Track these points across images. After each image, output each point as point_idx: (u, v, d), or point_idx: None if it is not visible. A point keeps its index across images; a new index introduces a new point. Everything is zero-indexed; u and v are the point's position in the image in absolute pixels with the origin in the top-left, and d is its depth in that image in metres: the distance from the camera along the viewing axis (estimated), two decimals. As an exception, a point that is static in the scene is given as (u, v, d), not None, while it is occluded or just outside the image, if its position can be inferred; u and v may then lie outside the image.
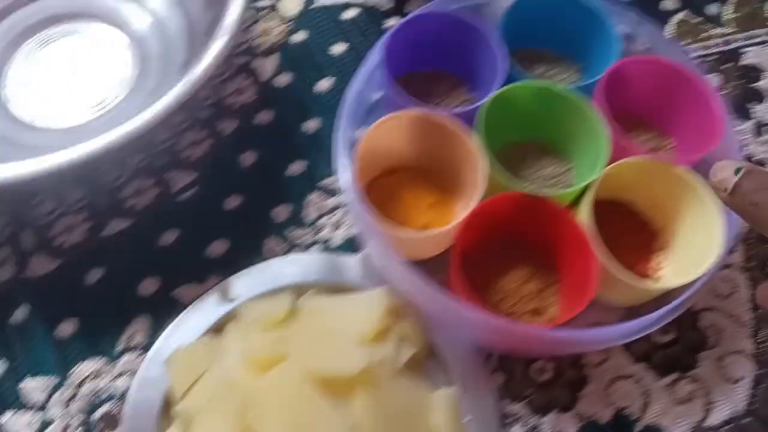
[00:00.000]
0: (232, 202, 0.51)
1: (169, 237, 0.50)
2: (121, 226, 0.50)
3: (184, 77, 0.43)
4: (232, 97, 0.55)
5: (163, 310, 0.47)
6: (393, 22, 0.58)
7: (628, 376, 0.46)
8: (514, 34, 0.51)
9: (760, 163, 0.54)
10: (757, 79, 0.57)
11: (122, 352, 0.46)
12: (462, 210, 0.48)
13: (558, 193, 0.44)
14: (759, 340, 0.47)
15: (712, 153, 0.45)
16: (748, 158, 0.54)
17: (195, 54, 0.46)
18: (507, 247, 0.47)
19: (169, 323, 0.45)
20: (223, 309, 0.45)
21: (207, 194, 0.51)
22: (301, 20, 0.59)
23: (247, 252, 0.49)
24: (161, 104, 0.44)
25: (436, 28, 0.50)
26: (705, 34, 0.59)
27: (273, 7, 0.59)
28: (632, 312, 0.47)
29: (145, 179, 0.52)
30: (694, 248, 0.46)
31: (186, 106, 0.43)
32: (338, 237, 0.50)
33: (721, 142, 0.45)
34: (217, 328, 0.45)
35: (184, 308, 0.45)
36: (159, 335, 0.45)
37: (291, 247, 0.50)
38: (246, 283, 0.46)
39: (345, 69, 0.56)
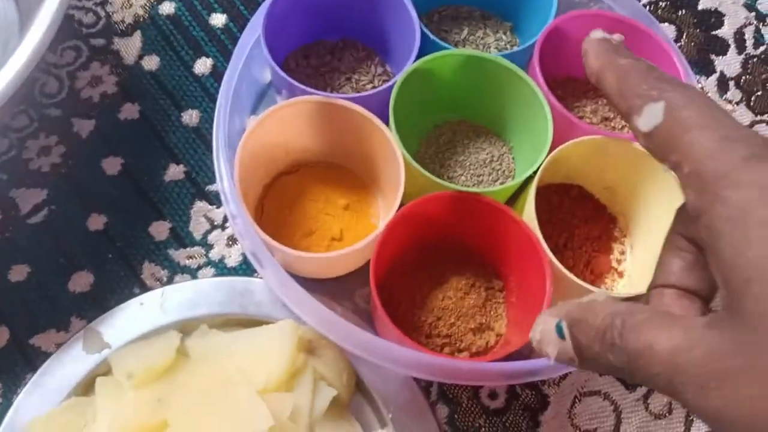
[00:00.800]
0: (96, 221, 0.45)
1: (18, 272, 0.44)
2: (-45, 264, 0.44)
3: (4, 67, 0.36)
4: (87, 89, 0.48)
5: (17, 368, 0.42)
6: (286, -18, 0.52)
7: (595, 392, 0.43)
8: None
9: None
10: (719, 25, 0.54)
11: (-34, 425, 0.40)
12: (382, 212, 0.43)
13: (494, 189, 0.39)
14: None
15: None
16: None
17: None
18: (440, 256, 0.42)
19: (26, 382, 0.40)
20: (91, 361, 0.40)
21: (64, 214, 0.45)
22: (170, -14, 0.51)
23: (119, 283, 0.44)
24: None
25: (336, -12, 0.44)
26: (654, -23, 0.55)
27: (136, -28, 0.52)
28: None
29: (-18, 202, 0.45)
30: (657, 236, 0.41)
31: (22, 103, 0.36)
32: (235, 255, 0.45)
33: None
34: (86, 386, 0.40)
35: (42, 363, 0.40)
36: (12, 399, 0.40)
37: (175, 272, 0.45)
38: (118, 324, 0.41)
39: (228, 45, 0.50)
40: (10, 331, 0.42)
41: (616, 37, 0.29)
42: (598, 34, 0.29)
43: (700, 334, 0.21)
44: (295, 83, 0.41)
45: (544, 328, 0.26)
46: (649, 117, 0.25)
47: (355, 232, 0.43)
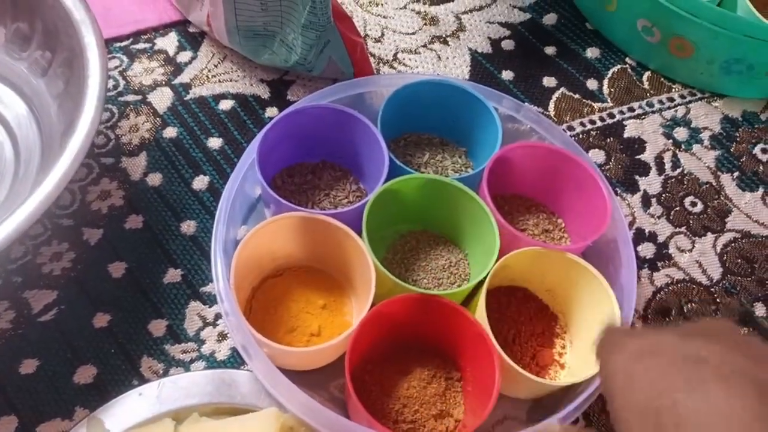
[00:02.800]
0: (101, 319, 0.49)
1: (28, 366, 0.47)
2: (-31, 358, 0.47)
3: (37, 188, 0.41)
4: (96, 202, 0.53)
5: None
6: (273, 111, 0.59)
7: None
8: (398, 120, 0.53)
9: (652, 234, 0.57)
10: (641, 151, 0.62)
11: None
12: (355, 310, 0.48)
13: (453, 291, 0.45)
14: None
15: (603, 235, 0.48)
16: (638, 230, 0.57)
17: (50, 161, 0.44)
18: (405, 349, 0.47)
19: None
20: (93, 447, 0.42)
21: (72, 313, 0.49)
22: (173, 114, 0.58)
23: (120, 376, 0.47)
24: (14, 219, 0.41)
25: (317, 120, 0.51)
26: (586, 109, 0.63)
27: (143, 101, 0.58)
28: (540, 401, 0.48)
29: (-2, 301, 0.49)
30: (593, 332, 0.47)
31: (42, 217, 0.41)
32: (224, 349, 0.49)
33: (608, 224, 0.48)
34: (88, 470, 0.42)
35: (47, 450, 0.42)
36: None
37: (171, 366, 0.48)
38: (119, 413, 0.43)
39: (222, 165, 0.56)
40: (18, 420, 0.45)
41: None
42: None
43: None
44: (281, 200, 0.47)
45: None
46: None
47: (332, 328, 0.47)
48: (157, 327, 0.49)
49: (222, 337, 0.49)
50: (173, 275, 0.51)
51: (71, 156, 0.43)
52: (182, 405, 0.44)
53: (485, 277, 0.45)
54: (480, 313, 0.44)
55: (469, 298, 0.48)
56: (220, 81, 0.60)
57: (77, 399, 0.46)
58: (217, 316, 0.50)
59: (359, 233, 0.46)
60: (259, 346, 0.43)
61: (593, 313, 0.47)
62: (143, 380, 0.47)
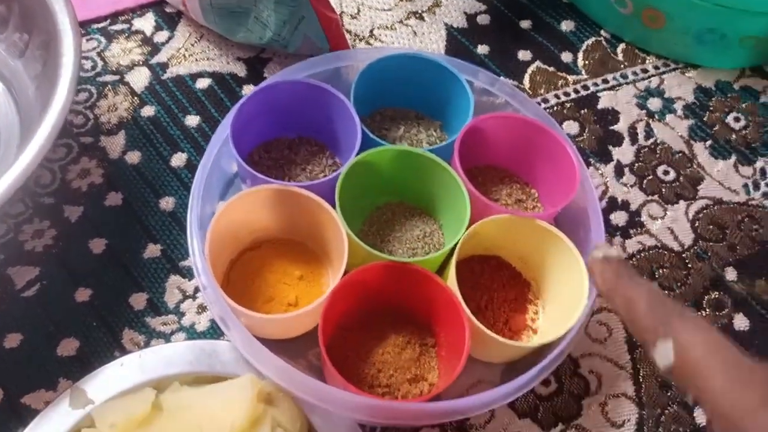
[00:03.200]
0: (83, 294, 0.50)
1: (12, 340, 0.48)
2: (-45, 334, 0.48)
3: (12, 166, 0.42)
4: (77, 180, 0.54)
5: (9, 422, 0.45)
6: (250, 89, 0.60)
7: (516, 433, 0.48)
8: (373, 94, 0.54)
9: (625, 203, 0.58)
10: (615, 122, 0.63)
11: (-39, 479, 0.43)
12: (332, 281, 0.49)
13: (424, 258, 0.46)
14: (639, 381, 0.51)
15: (572, 201, 0.49)
16: (611, 199, 0.58)
17: (28, 141, 0.44)
18: (380, 316, 0.48)
19: None
20: (77, 416, 0.43)
21: (54, 288, 0.50)
22: (151, 93, 0.59)
23: (102, 348, 0.48)
24: (-10, 197, 0.42)
25: (292, 95, 0.52)
26: (560, 82, 0.64)
27: (121, 81, 0.59)
28: (513, 365, 0.49)
29: (-19, 278, 0.50)
30: (565, 297, 0.49)
31: (22, 194, 0.42)
32: (204, 321, 0.50)
33: (576, 192, 0.49)
34: (71, 439, 0.43)
35: (32, 419, 0.43)
36: None
37: (152, 337, 0.49)
38: (101, 383, 0.44)
39: (201, 142, 0.57)
40: (3, 392, 0.46)
41: (614, 253, 0.33)
42: (598, 254, 0.33)
43: None
44: (257, 174, 0.47)
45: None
46: (662, 356, 0.28)
47: (309, 298, 0.48)
48: (138, 300, 0.50)
49: (201, 309, 0.50)
50: (153, 250, 0.52)
51: (45, 134, 0.44)
52: (163, 374, 0.45)
53: (456, 245, 0.46)
54: (451, 280, 0.45)
55: (444, 267, 0.50)
56: (197, 60, 0.61)
57: (60, 371, 0.47)
58: (197, 289, 0.51)
59: (334, 205, 0.46)
60: (236, 316, 0.44)
61: (564, 279, 0.49)
62: (125, 351, 0.48)
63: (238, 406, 0.42)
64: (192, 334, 0.49)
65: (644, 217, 0.58)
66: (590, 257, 0.34)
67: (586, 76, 0.65)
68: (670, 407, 0.50)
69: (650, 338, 0.29)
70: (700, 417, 0.50)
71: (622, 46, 0.67)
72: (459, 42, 0.66)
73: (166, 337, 0.49)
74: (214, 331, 0.49)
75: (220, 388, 0.44)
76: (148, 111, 0.58)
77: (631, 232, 0.57)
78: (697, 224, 0.58)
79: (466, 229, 0.47)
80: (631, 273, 0.32)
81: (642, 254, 0.56)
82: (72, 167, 0.54)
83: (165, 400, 0.44)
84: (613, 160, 0.60)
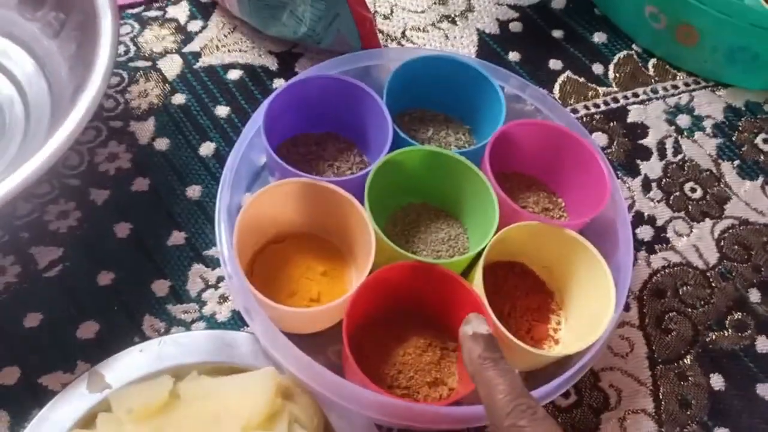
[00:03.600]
0: (105, 277, 0.50)
1: (32, 319, 0.48)
2: (-25, 309, 0.48)
3: (44, 146, 0.42)
4: (104, 163, 0.54)
5: (26, 403, 0.45)
6: (280, 83, 0.59)
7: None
8: (404, 94, 0.54)
9: (651, 218, 0.58)
10: (644, 136, 0.62)
11: (-25, 455, 0.43)
12: (355, 278, 0.49)
13: (450, 261, 0.46)
14: (659, 398, 0.50)
15: (600, 212, 0.49)
16: (637, 213, 0.58)
17: (59, 121, 0.44)
18: (403, 317, 0.48)
19: (33, 417, 0.43)
20: (94, 399, 0.43)
21: (76, 270, 0.50)
22: (182, 81, 0.59)
23: (122, 333, 0.48)
24: (20, 175, 0.42)
25: (323, 91, 0.52)
26: (590, 93, 0.64)
27: (153, 67, 0.59)
28: (534, 375, 0.49)
29: (4, 256, 0.49)
30: (589, 309, 0.48)
31: (49, 175, 0.42)
32: (225, 311, 0.50)
33: (607, 202, 0.48)
34: (88, 421, 0.43)
35: (49, 400, 0.43)
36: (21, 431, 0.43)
37: (172, 325, 0.49)
38: (119, 368, 0.44)
39: (229, 132, 0.57)
40: (21, 371, 0.46)
41: (483, 330, 0.34)
42: (468, 330, 0.34)
43: None
44: (287, 167, 0.47)
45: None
46: None
47: (331, 295, 0.48)
48: (160, 287, 0.50)
49: (223, 299, 0.50)
50: (177, 238, 0.52)
51: (79, 116, 0.44)
52: (182, 362, 0.45)
53: (483, 249, 0.46)
54: (477, 284, 0.45)
55: (467, 273, 0.49)
56: (229, 51, 0.61)
57: (79, 353, 0.47)
58: (219, 279, 0.50)
59: (362, 202, 0.46)
60: (260, 307, 0.43)
61: (589, 290, 0.48)
62: (144, 338, 0.48)
63: (256, 398, 0.42)
64: (212, 323, 0.49)
65: (670, 233, 0.57)
66: (460, 331, 0.35)
67: (616, 89, 0.64)
68: (689, 426, 0.49)
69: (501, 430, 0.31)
70: (718, 437, 0.49)
71: (653, 61, 0.67)
72: (490, 48, 0.65)
73: (187, 326, 0.49)
74: (235, 323, 0.49)
75: (238, 379, 0.44)
76: (178, 99, 0.58)
77: (656, 247, 0.56)
78: (722, 243, 0.57)
79: (494, 234, 0.46)
80: (497, 356, 0.33)
81: (666, 270, 0.55)
82: (100, 150, 0.54)
83: (183, 389, 0.43)
84: (640, 175, 0.60)
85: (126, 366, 0.45)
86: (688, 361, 0.52)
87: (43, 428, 0.42)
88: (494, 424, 0.32)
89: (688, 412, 0.50)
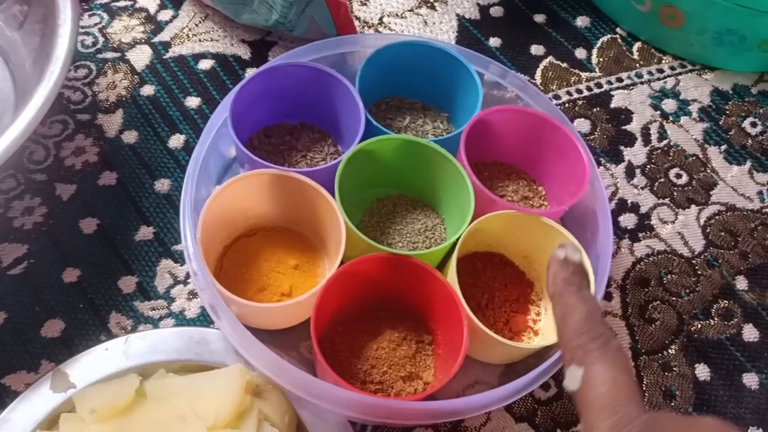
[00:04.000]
0: (71, 274, 0.48)
1: (-5, 318, 0.46)
2: (-63, 309, 0.46)
3: (0, 138, 0.41)
4: (71, 157, 0.52)
5: None
6: (253, 72, 0.58)
7: (512, 439, 0.46)
8: (380, 83, 0.52)
9: (635, 205, 0.56)
10: (628, 122, 0.61)
11: (-64, 460, 0.42)
12: (328, 272, 0.48)
13: (424, 252, 0.44)
14: (642, 390, 0.49)
15: (580, 200, 0.47)
16: (620, 201, 0.56)
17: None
18: (376, 311, 0.46)
19: None
20: (57, 399, 0.42)
21: (42, 267, 0.48)
22: (151, 72, 0.57)
23: (87, 331, 0.47)
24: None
25: (295, 79, 0.50)
26: (573, 78, 0.62)
27: (122, 59, 0.57)
28: (512, 367, 0.48)
29: (-33, 254, 0.48)
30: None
31: (12, 170, 0.40)
32: (194, 308, 0.48)
33: (586, 189, 0.47)
34: (51, 422, 0.42)
35: (12, 401, 0.42)
36: None
37: (140, 322, 0.48)
38: (84, 367, 0.43)
39: (200, 124, 0.55)
40: (-15, 371, 0.45)
41: (576, 258, 0.33)
42: (560, 254, 0.33)
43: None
44: (255, 158, 0.46)
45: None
46: (570, 380, 0.29)
47: (303, 289, 0.47)
48: (127, 283, 0.49)
49: (192, 295, 0.49)
50: (145, 233, 0.50)
51: (37, 106, 0.42)
52: (149, 361, 0.44)
53: (458, 240, 0.45)
54: (451, 276, 0.44)
55: (445, 263, 0.48)
56: (200, 40, 0.59)
57: (44, 352, 0.46)
58: (189, 275, 0.49)
59: (334, 195, 0.45)
60: (227, 304, 0.42)
61: (569, 280, 0.47)
62: (111, 336, 0.47)
63: (224, 396, 0.41)
64: (181, 320, 0.48)
65: (654, 221, 0.56)
66: (552, 254, 0.33)
67: (599, 74, 0.63)
68: (673, 418, 0.48)
69: (568, 357, 0.30)
70: (703, 429, 0.48)
71: (638, 44, 0.65)
72: (470, 33, 0.64)
73: (155, 323, 0.48)
74: (205, 319, 0.48)
75: (207, 377, 0.43)
76: (147, 90, 0.56)
77: (640, 235, 0.55)
78: (708, 230, 0.56)
79: (470, 224, 0.45)
80: (583, 284, 0.32)
81: (651, 258, 0.54)
82: (67, 144, 0.53)
83: (149, 387, 0.42)
84: (624, 161, 0.59)
85: (91, 365, 0.43)
86: (672, 351, 0.50)
87: (6, 430, 0.41)
88: (563, 345, 0.31)
89: (673, 404, 0.49)
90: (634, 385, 0.28)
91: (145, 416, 0.41)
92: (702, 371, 0.50)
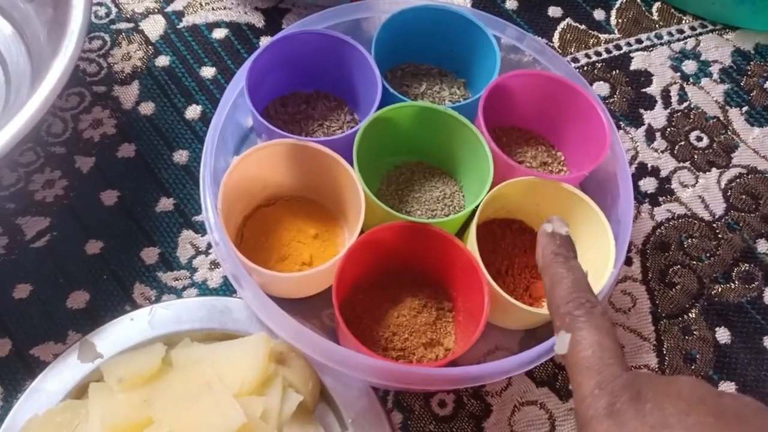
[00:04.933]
0: (94, 246, 0.49)
1: (21, 291, 0.47)
2: (-36, 282, 0.47)
3: (19, 112, 0.41)
4: (89, 130, 0.53)
5: (18, 374, 0.45)
6: (267, 40, 0.57)
7: (532, 402, 0.47)
8: (395, 49, 0.52)
9: (655, 169, 0.56)
10: (648, 84, 0.60)
11: (-30, 426, 0.43)
12: (347, 241, 0.48)
13: (443, 220, 0.45)
14: (662, 354, 0.49)
15: (600, 165, 0.47)
16: (640, 165, 0.56)
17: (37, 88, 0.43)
18: (397, 278, 0.47)
19: (26, 388, 0.43)
20: (85, 369, 0.43)
21: (64, 240, 0.49)
22: (165, 42, 0.57)
23: (112, 301, 0.47)
24: (-2, 143, 0.41)
25: (310, 47, 0.50)
26: (592, 41, 0.61)
27: (135, 29, 0.57)
28: (532, 333, 0.48)
29: (-9, 227, 0.49)
30: (589, 263, 0.47)
31: (33, 144, 0.41)
32: (216, 277, 0.49)
33: (606, 154, 0.47)
34: (80, 391, 0.43)
35: (41, 371, 0.43)
36: (13, 402, 0.42)
37: (163, 292, 0.48)
38: (111, 337, 0.44)
39: (216, 94, 0.55)
40: (12, 343, 0.45)
41: (563, 231, 0.35)
42: (548, 227, 0.35)
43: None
44: (273, 128, 0.46)
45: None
46: (560, 345, 0.32)
47: (323, 258, 0.47)
48: (150, 254, 0.49)
49: (214, 265, 0.49)
50: (165, 204, 0.51)
51: (54, 78, 0.42)
52: (174, 330, 0.45)
53: (477, 207, 0.45)
54: (471, 243, 0.44)
55: (464, 230, 0.48)
56: (213, 9, 0.59)
57: (70, 323, 0.46)
58: (210, 245, 0.50)
59: (352, 163, 0.45)
60: (249, 273, 0.43)
61: (589, 245, 0.47)
62: (135, 306, 0.47)
63: (249, 364, 0.42)
64: (204, 290, 0.48)
65: (674, 185, 0.56)
66: (541, 229, 0.36)
67: (618, 36, 0.62)
68: (693, 381, 0.48)
69: (557, 324, 0.32)
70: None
71: (657, 4, 0.64)
72: (486, -4, 0.63)
73: (178, 293, 0.48)
74: (227, 288, 0.49)
75: (231, 345, 0.44)
76: (162, 61, 0.56)
77: (660, 199, 0.55)
78: (729, 193, 0.56)
79: (489, 190, 0.45)
80: (570, 255, 0.34)
81: (671, 222, 0.54)
82: (84, 117, 0.53)
83: (175, 356, 0.43)
84: (644, 124, 0.58)
85: (117, 335, 0.44)
86: (692, 315, 0.51)
87: (36, 399, 0.42)
88: (552, 313, 0.33)
89: (693, 367, 0.49)
90: (617, 347, 0.31)
91: (172, 384, 0.41)
92: (722, 335, 0.50)
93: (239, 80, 0.48)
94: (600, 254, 0.45)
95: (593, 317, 0.32)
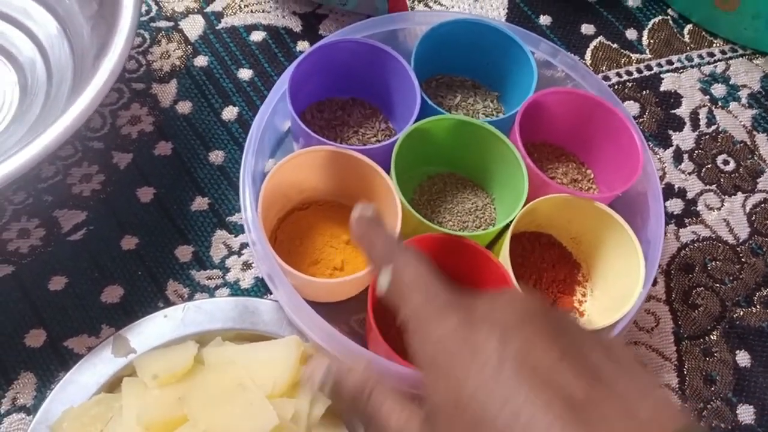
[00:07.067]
0: (129, 242, 0.50)
1: (57, 283, 0.48)
2: (2, 272, 0.48)
3: (69, 108, 0.42)
4: (127, 126, 0.53)
5: (52, 365, 0.46)
6: (304, 45, 0.59)
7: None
8: (431, 60, 0.53)
9: (681, 190, 0.57)
10: (677, 106, 0.61)
11: (5, 414, 0.44)
12: (379, 247, 0.49)
13: (477, 233, 0.46)
14: (683, 374, 0.50)
15: (631, 186, 0.48)
16: (667, 185, 0.57)
17: (81, 83, 0.44)
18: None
19: (59, 379, 0.43)
20: (118, 363, 0.44)
21: (100, 234, 0.50)
22: (204, 42, 0.58)
23: (146, 297, 0.48)
24: (45, 138, 0.42)
25: (349, 55, 0.51)
26: (623, 60, 0.62)
27: (175, 28, 0.58)
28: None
29: (29, 219, 0.50)
30: (616, 282, 0.48)
31: (72, 138, 0.41)
32: (248, 278, 0.50)
33: (639, 174, 0.48)
34: (113, 385, 0.44)
35: (74, 363, 0.44)
36: (46, 393, 0.43)
37: (196, 291, 0.49)
38: (144, 332, 0.45)
39: (252, 97, 0.56)
40: (47, 334, 0.46)
41: (368, 213, 0.37)
42: (356, 213, 0.37)
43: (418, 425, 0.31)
44: (312, 133, 0.47)
45: (315, 370, 0.35)
46: (383, 281, 0.34)
47: (355, 263, 0.48)
48: (184, 252, 0.50)
49: (246, 266, 0.50)
50: (200, 203, 0.52)
51: (103, 78, 0.43)
52: (206, 329, 0.45)
53: (511, 221, 0.45)
54: (503, 256, 0.45)
55: (493, 243, 0.49)
56: (252, 11, 0.60)
57: (104, 317, 0.47)
58: (243, 246, 0.51)
59: (387, 171, 0.46)
60: (284, 275, 0.43)
61: (617, 264, 0.48)
62: (168, 303, 0.48)
63: (281, 366, 0.42)
64: (236, 290, 0.49)
65: (700, 207, 0.57)
66: (351, 216, 0.38)
67: (650, 56, 0.63)
68: (713, 402, 0.49)
69: (378, 265, 0.35)
70: (742, 414, 0.49)
71: (689, 27, 0.65)
72: (521, 10, 0.64)
73: (210, 292, 0.49)
74: (258, 289, 0.49)
75: (263, 347, 0.44)
76: (201, 61, 0.57)
77: (686, 221, 0.56)
78: (753, 218, 0.57)
79: (523, 205, 0.46)
80: (379, 224, 0.37)
81: (696, 245, 0.55)
82: (122, 113, 0.54)
83: (207, 355, 0.44)
84: (672, 146, 0.59)
85: (151, 331, 0.45)
86: (714, 337, 0.52)
87: (69, 391, 0.43)
88: (375, 264, 0.35)
89: (713, 388, 0.50)
90: (436, 271, 0.33)
91: (207, 384, 0.42)
92: (743, 358, 0.51)
93: (281, 85, 0.49)
94: (629, 274, 0.46)
95: (408, 251, 0.34)
